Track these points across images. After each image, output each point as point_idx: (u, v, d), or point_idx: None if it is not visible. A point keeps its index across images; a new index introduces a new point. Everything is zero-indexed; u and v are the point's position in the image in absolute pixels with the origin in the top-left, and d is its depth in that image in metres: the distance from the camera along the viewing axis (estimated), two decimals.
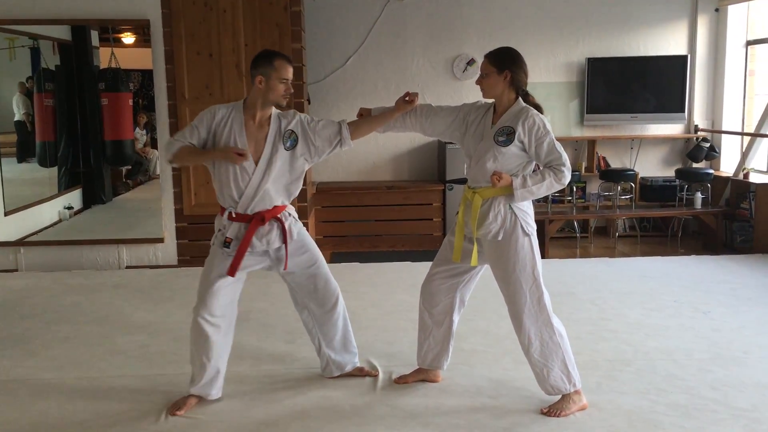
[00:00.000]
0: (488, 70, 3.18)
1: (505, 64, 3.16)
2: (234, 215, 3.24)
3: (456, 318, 3.48)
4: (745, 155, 6.89)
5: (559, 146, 3.14)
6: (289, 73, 3.22)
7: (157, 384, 3.60)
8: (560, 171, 3.12)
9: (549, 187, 3.13)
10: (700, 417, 3.16)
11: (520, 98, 3.20)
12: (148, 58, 6.06)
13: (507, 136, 3.13)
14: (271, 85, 3.18)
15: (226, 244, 3.21)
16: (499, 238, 3.16)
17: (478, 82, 3.24)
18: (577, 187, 7.22)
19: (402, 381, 3.58)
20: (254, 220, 3.22)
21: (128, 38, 6.67)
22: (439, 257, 3.44)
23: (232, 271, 3.23)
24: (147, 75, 6.32)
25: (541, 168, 3.17)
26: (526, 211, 3.21)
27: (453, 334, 3.50)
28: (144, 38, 6.22)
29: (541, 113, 3.18)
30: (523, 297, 3.18)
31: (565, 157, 3.13)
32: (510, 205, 3.16)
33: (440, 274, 3.41)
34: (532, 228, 3.21)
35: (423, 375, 3.58)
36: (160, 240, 6.18)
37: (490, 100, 3.28)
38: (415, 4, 7.20)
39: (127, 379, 3.69)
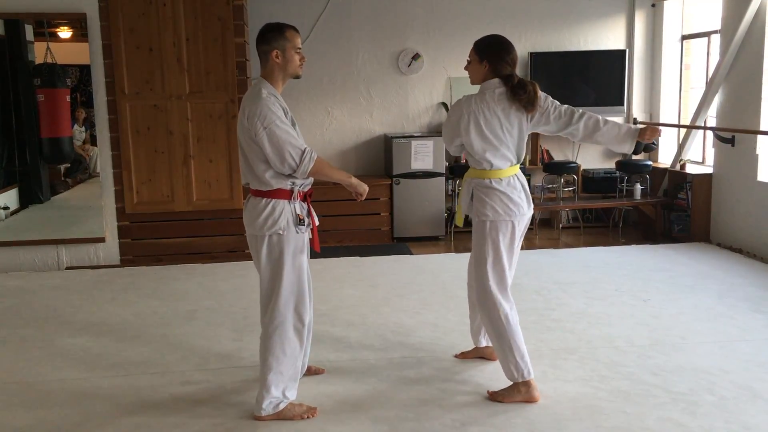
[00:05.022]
0: (472, 57, 3.32)
1: (485, 54, 3.26)
2: (300, 193, 3.11)
3: None
4: (681, 147, 7.09)
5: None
6: (300, 41, 3.12)
7: (100, 387, 3.52)
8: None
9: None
10: (641, 402, 3.25)
11: (489, 81, 3.25)
12: (86, 52, 5.89)
13: None
14: (288, 57, 3.06)
15: (301, 221, 3.11)
16: (470, 215, 3.36)
17: (466, 68, 3.38)
18: None
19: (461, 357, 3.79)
20: (309, 197, 3.19)
21: (65, 33, 6.49)
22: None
23: (317, 245, 3.25)
24: (85, 70, 6.16)
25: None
26: (484, 198, 3.25)
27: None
28: (81, 32, 6.06)
29: (534, 90, 3.22)
30: (477, 274, 3.32)
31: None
32: (473, 190, 3.30)
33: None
34: (487, 216, 3.25)
35: (480, 353, 3.75)
36: (102, 239, 6.04)
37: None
38: None
39: (68, 383, 3.59)
